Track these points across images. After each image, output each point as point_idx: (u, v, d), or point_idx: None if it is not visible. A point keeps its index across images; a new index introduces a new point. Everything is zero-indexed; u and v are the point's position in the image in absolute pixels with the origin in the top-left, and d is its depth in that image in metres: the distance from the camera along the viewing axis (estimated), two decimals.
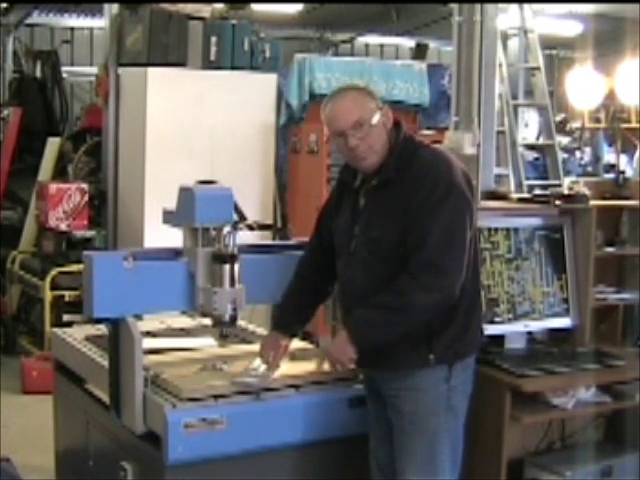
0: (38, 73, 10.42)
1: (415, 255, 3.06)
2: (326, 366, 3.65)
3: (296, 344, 4.00)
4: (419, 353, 3.16)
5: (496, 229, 3.90)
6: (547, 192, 4.89)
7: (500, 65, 7.22)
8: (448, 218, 3.08)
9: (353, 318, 3.14)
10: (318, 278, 3.51)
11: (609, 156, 11.34)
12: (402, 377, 3.21)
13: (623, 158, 10.64)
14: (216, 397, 3.34)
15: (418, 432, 3.20)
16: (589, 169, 11.15)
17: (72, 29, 12.33)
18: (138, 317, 3.67)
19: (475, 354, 3.32)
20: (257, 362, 3.53)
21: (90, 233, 7.42)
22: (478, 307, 3.33)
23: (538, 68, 8.39)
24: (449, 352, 3.18)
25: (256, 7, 9.33)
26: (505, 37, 8.24)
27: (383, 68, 8.11)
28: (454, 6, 5.83)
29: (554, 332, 4.08)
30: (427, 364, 3.17)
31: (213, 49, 7.20)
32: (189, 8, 7.24)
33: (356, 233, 3.24)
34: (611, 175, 7.19)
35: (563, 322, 4.05)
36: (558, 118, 11.02)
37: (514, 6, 8.17)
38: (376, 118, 3.17)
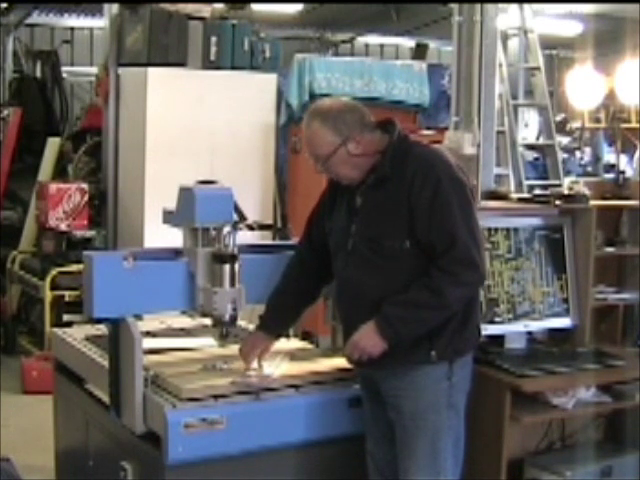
0: (38, 73, 10.43)
1: (447, 254, 3.09)
2: (327, 365, 3.66)
3: (296, 344, 4.01)
4: (420, 351, 3.18)
5: (496, 229, 3.90)
6: (547, 192, 4.88)
7: (500, 65, 7.21)
8: (464, 212, 3.14)
9: (386, 314, 3.13)
10: (305, 280, 3.52)
11: (609, 156, 11.35)
12: (403, 375, 3.21)
13: (623, 158, 10.65)
14: (216, 397, 3.34)
15: (420, 430, 3.21)
16: (589, 169, 11.15)
17: (72, 29, 12.32)
18: (138, 317, 3.66)
19: (473, 351, 3.33)
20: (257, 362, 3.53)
21: (90, 233, 7.42)
22: (476, 304, 3.35)
23: (538, 68, 8.39)
24: (449, 348, 3.19)
25: (256, 7, 9.33)
26: (505, 37, 8.23)
27: (383, 68, 8.10)
28: (454, 6, 5.82)
29: (554, 332, 4.08)
30: (428, 361, 3.18)
31: (213, 49, 7.20)
32: (189, 8, 7.24)
33: (353, 232, 3.25)
34: (611, 175, 7.19)
35: (563, 322, 4.05)
36: (558, 118, 11.02)
37: (514, 6, 8.16)
38: (337, 152, 3.19)
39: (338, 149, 3.19)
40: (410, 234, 3.13)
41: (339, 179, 3.29)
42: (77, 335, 4.17)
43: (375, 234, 3.19)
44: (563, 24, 11.60)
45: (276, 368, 3.57)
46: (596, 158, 11.38)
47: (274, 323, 3.56)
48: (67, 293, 6.95)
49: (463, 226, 3.11)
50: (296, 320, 3.70)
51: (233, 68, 7.27)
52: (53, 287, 6.98)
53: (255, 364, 3.52)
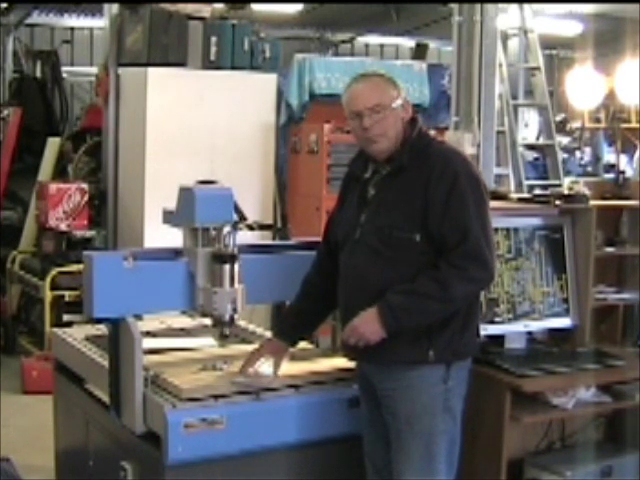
0: (38, 73, 10.44)
1: (458, 248, 3.10)
2: (327, 365, 3.66)
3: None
4: (419, 348, 3.16)
5: (496, 229, 3.87)
6: (547, 192, 4.88)
7: (500, 65, 7.22)
8: (479, 209, 3.16)
9: (389, 302, 3.11)
10: (322, 283, 3.47)
11: (609, 156, 11.36)
12: (399, 376, 3.20)
13: (623, 158, 10.66)
14: (216, 397, 3.34)
15: (414, 433, 3.19)
16: (589, 169, 11.17)
17: (72, 29, 12.33)
18: (138, 317, 3.66)
19: (472, 356, 3.31)
20: (258, 363, 3.53)
21: (90, 233, 7.42)
22: (477, 308, 3.34)
23: (538, 68, 8.41)
24: (448, 350, 3.18)
25: (256, 7, 9.33)
26: (505, 37, 8.25)
27: (383, 68, 8.08)
28: (454, 6, 5.84)
29: (554, 332, 4.08)
30: (426, 360, 3.16)
31: (213, 49, 7.20)
32: (189, 8, 7.24)
33: (362, 222, 3.24)
34: (611, 175, 7.20)
35: (563, 322, 4.05)
36: (558, 118, 11.04)
37: (514, 6, 8.18)
38: (395, 105, 3.21)
39: (395, 101, 3.21)
40: (422, 227, 3.13)
41: (376, 141, 3.22)
42: (77, 335, 4.17)
43: (386, 224, 3.18)
44: (563, 24, 11.60)
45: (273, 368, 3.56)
46: (596, 158, 11.39)
47: (289, 329, 3.53)
48: (67, 293, 6.95)
49: (477, 222, 3.12)
50: (315, 326, 3.61)
51: (233, 68, 7.27)
52: (53, 287, 6.98)
53: (257, 364, 3.51)
